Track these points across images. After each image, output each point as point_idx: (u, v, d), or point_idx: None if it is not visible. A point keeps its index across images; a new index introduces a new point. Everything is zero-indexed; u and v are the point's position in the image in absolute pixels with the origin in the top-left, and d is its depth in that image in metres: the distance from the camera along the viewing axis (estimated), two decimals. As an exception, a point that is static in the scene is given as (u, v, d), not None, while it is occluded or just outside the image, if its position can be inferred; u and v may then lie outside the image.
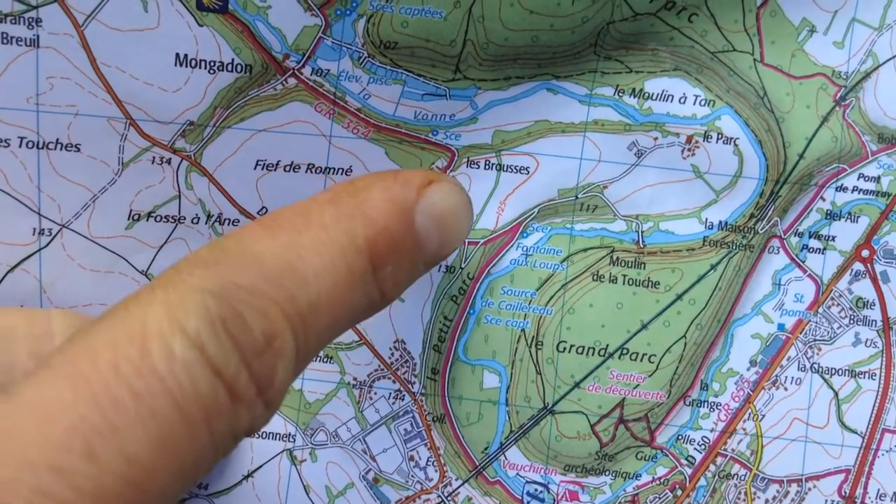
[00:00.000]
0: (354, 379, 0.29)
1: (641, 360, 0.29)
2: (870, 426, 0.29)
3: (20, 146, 0.25)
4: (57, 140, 0.25)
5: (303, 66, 0.26)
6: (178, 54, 0.25)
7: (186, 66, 0.25)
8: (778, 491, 0.29)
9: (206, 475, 0.20)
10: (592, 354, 0.29)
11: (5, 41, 0.24)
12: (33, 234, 0.26)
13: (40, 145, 0.25)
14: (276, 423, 0.29)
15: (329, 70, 0.26)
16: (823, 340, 0.29)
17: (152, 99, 0.25)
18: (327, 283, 0.20)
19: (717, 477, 0.29)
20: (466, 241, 0.29)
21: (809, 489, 0.29)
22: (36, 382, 0.17)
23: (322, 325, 0.21)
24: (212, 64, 0.25)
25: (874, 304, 0.29)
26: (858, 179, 0.29)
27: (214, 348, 0.18)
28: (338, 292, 0.21)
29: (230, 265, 0.19)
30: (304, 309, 0.20)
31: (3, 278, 0.26)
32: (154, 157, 0.26)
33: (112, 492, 0.16)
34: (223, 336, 0.18)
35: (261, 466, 0.29)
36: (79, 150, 0.25)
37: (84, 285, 0.27)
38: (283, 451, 0.29)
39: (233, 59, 0.25)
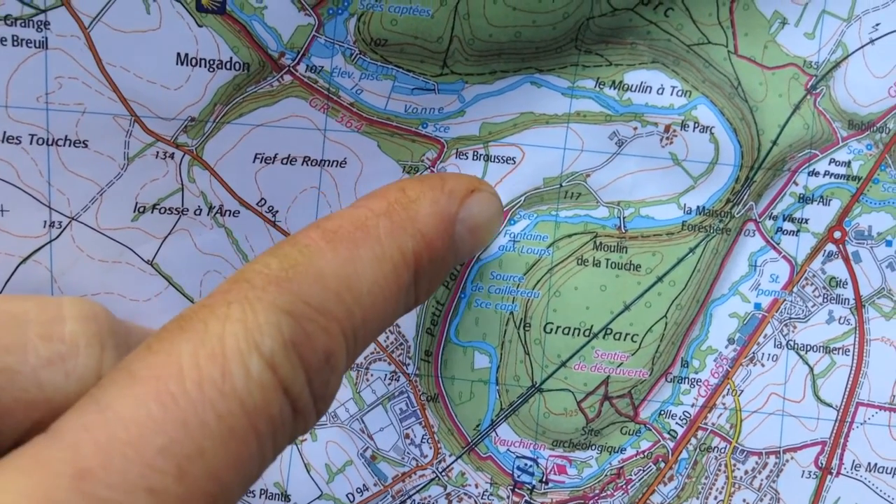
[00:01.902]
0: (351, 361, 0.30)
1: (624, 340, 0.30)
2: (844, 400, 0.31)
3: (31, 143, 0.26)
4: (66, 137, 0.27)
5: (297, 63, 0.27)
6: (179, 54, 0.26)
7: (187, 64, 0.26)
8: (757, 462, 0.31)
9: None
10: (578, 335, 0.30)
11: (16, 43, 0.25)
12: (44, 227, 0.27)
13: (50, 142, 0.26)
14: (278, 405, 0.30)
15: (323, 67, 0.27)
16: (798, 318, 0.31)
17: (155, 96, 0.27)
18: (379, 298, 0.22)
19: (698, 450, 0.31)
20: None
21: (787, 461, 0.31)
22: (125, 394, 0.18)
23: (369, 337, 0.22)
24: (211, 62, 0.26)
25: (847, 283, 0.31)
26: (830, 164, 0.30)
27: (286, 370, 0.19)
28: (386, 305, 0.22)
29: (299, 282, 0.20)
30: (358, 323, 0.21)
31: (16, 269, 0.27)
32: (158, 152, 0.27)
33: None
34: (294, 357, 0.19)
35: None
36: (86, 146, 0.27)
37: (93, 275, 0.28)
38: (284, 431, 0.30)
39: (231, 58, 0.27)
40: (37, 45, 0.26)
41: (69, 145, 0.27)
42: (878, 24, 0.29)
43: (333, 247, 0.21)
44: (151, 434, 0.17)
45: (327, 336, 0.20)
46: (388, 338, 0.30)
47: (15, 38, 0.25)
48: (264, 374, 0.19)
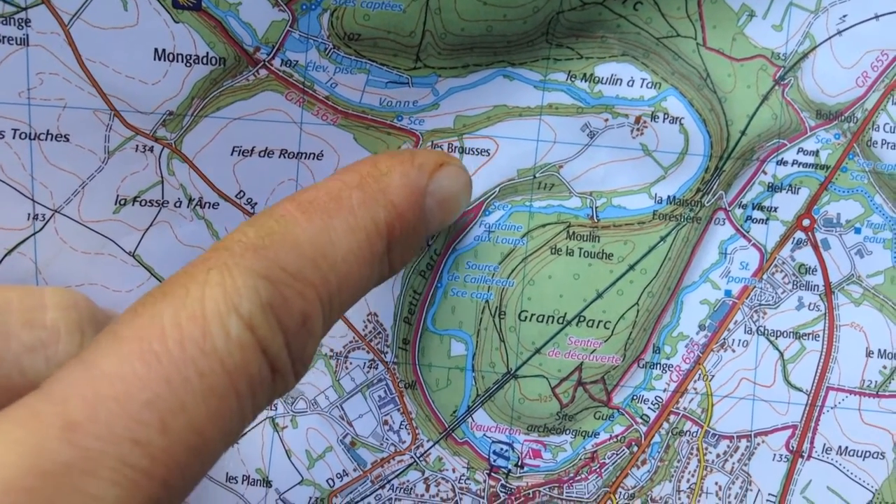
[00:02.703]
0: (331, 350, 0.31)
1: (597, 327, 0.31)
2: (814, 384, 0.31)
3: (14, 138, 0.27)
4: (47, 131, 0.27)
5: (273, 57, 0.28)
6: (156, 49, 0.27)
7: (165, 60, 0.27)
8: (728, 446, 0.31)
9: None
10: (552, 322, 0.31)
11: (-3, 41, 0.26)
12: (28, 220, 0.28)
13: (32, 136, 0.27)
14: (259, 393, 0.31)
15: (297, 61, 0.28)
16: (768, 305, 0.31)
17: (134, 91, 0.27)
18: (353, 265, 0.23)
19: (670, 434, 0.31)
20: None
21: (758, 444, 0.31)
22: (110, 353, 0.19)
23: (344, 303, 0.23)
24: (188, 57, 0.27)
25: (816, 270, 0.31)
26: (798, 153, 0.31)
27: (264, 330, 0.20)
28: (360, 272, 0.23)
29: (276, 249, 0.21)
30: (333, 289, 0.22)
31: (1, 260, 0.28)
32: (137, 146, 0.28)
33: (181, 460, 0.19)
34: (271, 319, 0.20)
35: (245, 433, 0.31)
36: (68, 140, 0.27)
37: (76, 266, 0.29)
38: (265, 419, 0.31)
39: (207, 53, 0.27)
40: (18, 42, 0.26)
41: (51, 139, 0.27)
42: (845, 16, 0.30)
43: (308, 217, 0.23)
44: (136, 390, 0.18)
45: (303, 300, 0.21)
46: (366, 326, 0.31)
47: (-4, 35, 0.26)
48: (243, 334, 0.20)
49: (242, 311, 0.20)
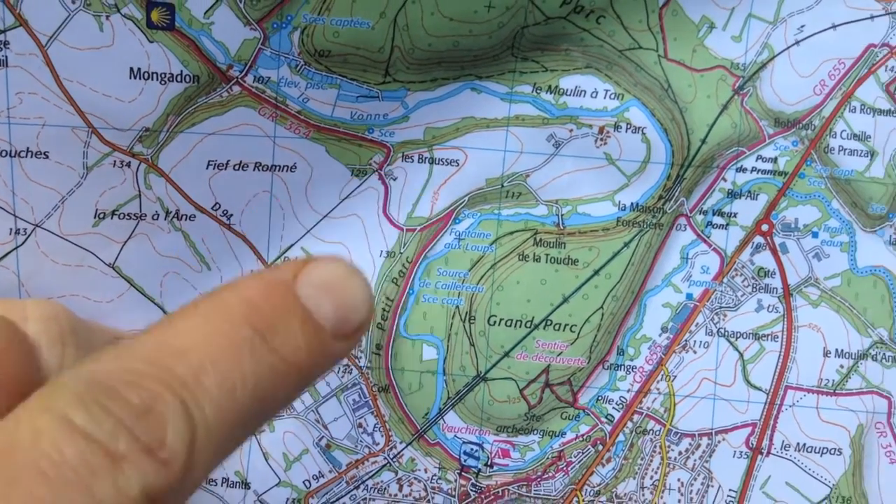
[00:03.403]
0: (306, 355, 0.32)
1: (564, 330, 0.32)
2: (773, 383, 0.32)
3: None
4: (27, 149, 0.28)
5: (245, 74, 0.29)
6: (132, 68, 0.28)
7: (140, 78, 0.28)
8: (690, 444, 0.32)
9: None
10: (520, 326, 0.32)
11: (-24, 62, 0.27)
12: (10, 234, 0.29)
13: (13, 154, 0.28)
14: (237, 397, 0.32)
15: (270, 77, 0.29)
16: (728, 307, 0.32)
17: (111, 109, 0.28)
18: (208, 353, 0.21)
19: (634, 433, 0.33)
20: (405, 228, 0.32)
21: (719, 441, 0.33)
22: None
23: (214, 389, 0.21)
24: (163, 76, 0.28)
25: (774, 273, 0.32)
26: (757, 161, 0.32)
27: (82, 418, 0.19)
28: (223, 358, 0.21)
29: (100, 362, 0.20)
30: (186, 376, 0.21)
31: (-16, 274, 0.29)
32: (115, 161, 0.29)
33: None
34: (92, 406, 0.19)
35: (224, 436, 0.32)
36: (47, 156, 0.28)
37: (58, 278, 0.30)
38: (243, 422, 0.32)
39: (181, 71, 0.28)
40: (-4, 63, 0.27)
41: (31, 156, 0.28)
42: (803, 26, 0.31)
43: (147, 331, 0.21)
44: None
45: (137, 388, 0.20)
46: (340, 332, 0.32)
47: (-25, 57, 0.27)
48: (52, 425, 0.19)
49: (54, 408, 0.19)
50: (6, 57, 0.27)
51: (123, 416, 0.19)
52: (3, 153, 0.28)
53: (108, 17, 0.27)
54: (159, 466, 0.20)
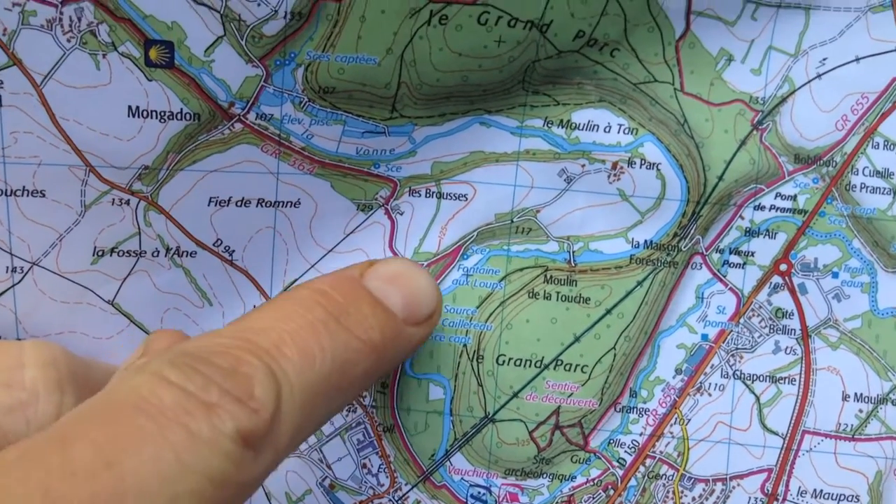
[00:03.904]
0: (310, 394, 0.31)
1: (575, 371, 0.31)
2: (790, 428, 0.31)
3: None
4: (23, 187, 0.27)
5: (247, 112, 0.28)
6: (130, 106, 0.27)
7: (139, 116, 0.27)
8: (704, 489, 0.32)
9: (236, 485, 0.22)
10: (529, 366, 0.31)
11: (-29, 102, 0.26)
12: (7, 272, 0.28)
13: (8, 193, 0.27)
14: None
15: (273, 114, 0.28)
16: (745, 349, 0.31)
17: (109, 147, 0.27)
18: (287, 328, 0.23)
19: (646, 477, 0.32)
20: None
21: (734, 487, 0.32)
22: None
23: (295, 356, 0.23)
24: (162, 114, 0.27)
25: (793, 314, 0.31)
26: (776, 198, 0.31)
27: (176, 375, 0.21)
28: (300, 333, 0.23)
29: (187, 343, 0.23)
30: (268, 346, 0.23)
31: (-20, 313, 0.29)
32: (114, 199, 0.28)
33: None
34: (184, 367, 0.21)
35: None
36: (44, 195, 0.28)
37: (56, 316, 0.29)
38: (245, 462, 0.31)
39: (181, 109, 0.27)
40: (-9, 102, 0.26)
41: (27, 195, 0.27)
42: (825, 59, 0.30)
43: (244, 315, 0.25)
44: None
45: (226, 355, 0.22)
46: (345, 371, 0.31)
47: (-31, 96, 0.26)
48: (147, 377, 0.21)
49: (150, 367, 0.21)
50: (0, 96, 0.26)
51: (213, 375, 0.21)
52: (-1, 192, 0.27)
53: (104, 55, 0.26)
54: (250, 412, 0.21)
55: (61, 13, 0.26)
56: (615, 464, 0.32)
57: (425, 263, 0.31)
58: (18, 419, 0.25)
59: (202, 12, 0.26)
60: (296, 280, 0.31)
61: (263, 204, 0.29)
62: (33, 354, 0.26)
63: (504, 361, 0.31)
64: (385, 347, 0.25)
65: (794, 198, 0.31)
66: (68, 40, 0.26)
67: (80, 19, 0.26)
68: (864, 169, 0.31)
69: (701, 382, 0.31)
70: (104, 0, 0.26)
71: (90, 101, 0.27)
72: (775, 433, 0.31)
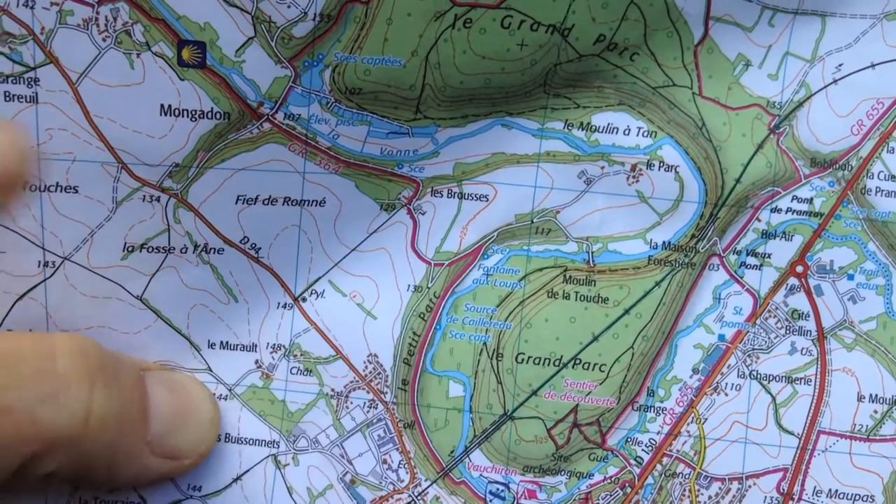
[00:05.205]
0: (332, 390, 0.32)
1: (593, 370, 0.32)
2: (806, 428, 0.32)
3: (25, 190, 0.28)
4: (57, 183, 0.28)
5: (276, 111, 0.29)
6: (162, 105, 0.28)
7: (171, 115, 0.28)
8: (720, 488, 0.32)
9: None
10: (548, 365, 0.32)
11: (8, 99, 0.27)
12: (39, 267, 0.29)
13: (42, 188, 0.28)
14: (262, 431, 0.31)
15: (300, 114, 0.29)
16: (761, 349, 0.32)
17: (141, 145, 0.28)
18: None
19: (663, 475, 0.32)
20: (433, 263, 0.31)
21: (749, 486, 0.32)
22: None
23: None
24: (193, 113, 0.28)
25: (808, 316, 0.32)
26: (792, 201, 0.31)
27: None
28: None
29: None
30: None
31: (12, 306, 0.29)
32: (144, 196, 0.29)
33: None
34: None
35: (249, 470, 0.32)
36: (77, 191, 0.28)
37: (86, 310, 0.30)
38: (268, 457, 0.32)
39: (212, 108, 0.28)
40: (27, 99, 0.27)
41: (60, 191, 0.28)
42: (841, 65, 0.30)
43: None
44: None
45: None
46: (366, 367, 0.32)
47: (7, 93, 0.27)
48: None
49: None
50: (36, 94, 0.27)
51: None
52: (33, 188, 0.28)
53: (138, 54, 0.27)
54: None
55: (97, 13, 0.26)
56: (632, 462, 0.32)
57: (446, 263, 0.31)
58: (50, 408, 0.26)
59: (234, 14, 0.27)
60: (319, 278, 0.31)
61: (290, 202, 0.30)
62: (65, 345, 0.27)
63: (523, 360, 0.32)
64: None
65: (811, 201, 0.31)
66: (104, 40, 0.27)
67: (115, 19, 0.27)
68: (879, 173, 0.31)
69: (717, 382, 0.32)
70: (139, 0, 0.27)
71: (124, 99, 0.27)
72: (791, 433, 0.32)
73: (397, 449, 0.32)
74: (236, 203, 0.30)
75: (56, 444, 0.26)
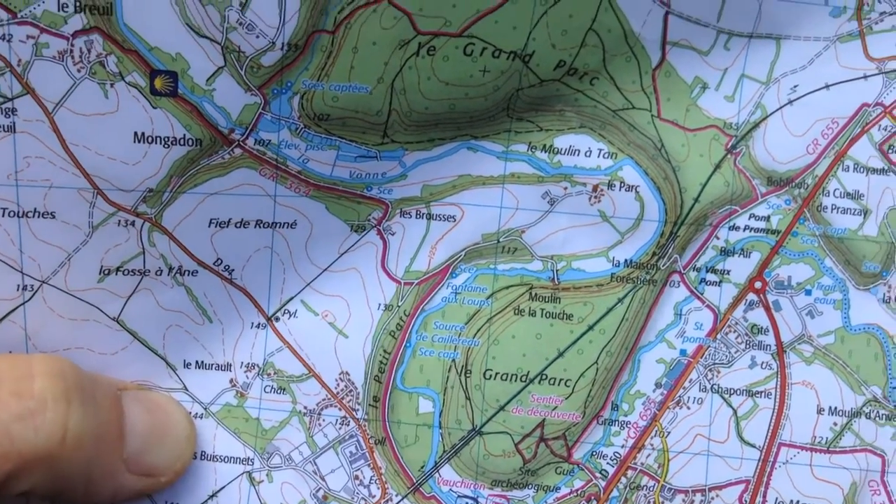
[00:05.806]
0: (305, 408, 0.32)
1: (558, 385, 0.32)
2: (767, 440, 0.33)
3: (3, 216, 0.29)
4: (35, 209, 0.29)
5: (246, 138, 0.30)
6: (136, 133, 0.29)
7: (144, 142, 0.29)
8: (684, 500, 0.33)
9: None
10: (515, 380, 0.32)
11: (-14, 128, 0.28)
12: (17, 290, 0.30)
13: (20, 214, 0.29)
14: (237, 449, 0.32)
15: (270, 140, 0.30)
16: (722, 364, 0.33)
17: (116, 171, 0.29)
18: None
19: (628, 488, 0.33)
20: (403, 282, 0.32)
21: (713, 498, 0.33)
22: None
23: None
24: (166, 140, 0.29)
25: (768, 331, 0.33)
26: (750, 219, 0.32)
27: None
28: None
29: None
30: None
31: (-8, 328, 0.30)
32: (120, 220, 0.30)
33: None
34: None
35: (224, 487, 0.32)
36: (54, 217, 0.29)
37: (64, 332, 0.30)
38: (242, 474, 0.32)
39: (184, 135, 0.29)
40: (5, 129, 0.28)
41: (38, 217, 0.29)
42: (796, 86, 0.31)
43: None
44: None
45: None
46: (338, 385, 0.32)
47: (-15, 123, 0.28)
48: None
49: None
50: (14, 123, 0.28)
51: None
52: (12, 213, 0.29)
53: (112, 84, 0.28)
54: None
55: (72, 45, 0.27)
56: (598, 475, 0.33)
57: (416, 282, 0.32)
58: (27, 426, 0.26)
59: (204, 44, 0.28)
60: (292, 298, 0.32)
61: (261, 225, 0.31)
62: (42, 366, 0.28)
63: (491, 376, 0.32)
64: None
65: (768, 218, 0.32)
66: (78, 70, 0.28)
67: (89, 51, 0.28)
68: (834, 191, 0.32)
69: (680, 396, 0.33)
70: (112, 33, 0.28)
71: (98, 127, 0.28)
72: (752, 445, 0.33)
73: (369, 465, 0.33)
74: (209, 226, 0.31)
75: (32, 463, 0.26)
